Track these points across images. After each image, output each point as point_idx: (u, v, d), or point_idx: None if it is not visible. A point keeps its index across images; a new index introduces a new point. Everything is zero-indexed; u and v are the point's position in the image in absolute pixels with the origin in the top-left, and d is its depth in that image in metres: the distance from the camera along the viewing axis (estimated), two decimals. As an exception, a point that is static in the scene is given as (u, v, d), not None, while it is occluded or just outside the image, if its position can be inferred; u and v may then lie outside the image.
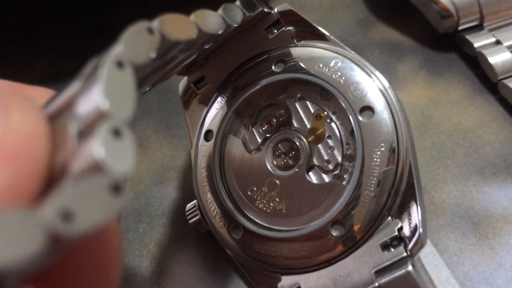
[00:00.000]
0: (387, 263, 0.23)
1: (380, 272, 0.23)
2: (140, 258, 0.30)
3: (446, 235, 0.28)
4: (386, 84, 0.25)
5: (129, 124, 0.13)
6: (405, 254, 0.23)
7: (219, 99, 0.28)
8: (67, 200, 0.11)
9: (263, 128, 0.28)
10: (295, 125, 0.27)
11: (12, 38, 0.41)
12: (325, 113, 0.26)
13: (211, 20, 0.19)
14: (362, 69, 0.26)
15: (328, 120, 0.26)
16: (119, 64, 0.13)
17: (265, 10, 0.27)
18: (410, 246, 0.23)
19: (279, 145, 0.27)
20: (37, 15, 0.42)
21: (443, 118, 0.32)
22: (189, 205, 0.28)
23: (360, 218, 0.24)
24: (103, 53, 0.14)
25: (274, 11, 0.27)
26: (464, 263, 0.27)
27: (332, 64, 0.26)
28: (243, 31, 0.28)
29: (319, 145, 0.26)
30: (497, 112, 0.31)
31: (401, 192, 0.24)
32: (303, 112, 0.27)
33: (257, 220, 0.26)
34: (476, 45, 0.32)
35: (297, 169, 0.26)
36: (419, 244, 0.23)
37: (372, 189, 0.24)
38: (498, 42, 0.32)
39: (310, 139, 0.27)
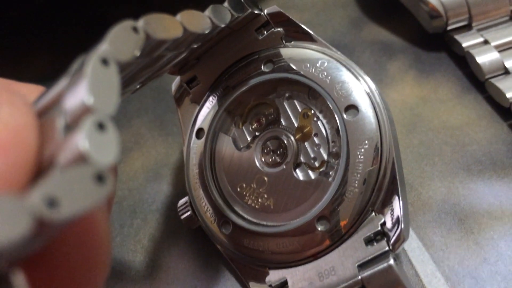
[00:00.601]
0: (370, 257, 0.24)
1: (363, 266, 0.24)
2: (134, 252, 0.31)
3: (432, 230, 0.28)
4: (371, 83, 0.26)
5: (113, 118, 0.13)
6: (387, 248, 0.23)
7: (210, 98, 0.29)
8: (53, 188, 0.11)
9: (253, 127, 0.29)
10: (283, 123, 0.28)
11: (9, 36, 0.42)
12: (312, 111, 0.27)
13: (197, 20, 0.20)
14: (348, 69, 0.26)
15: (315, 119, 0.27)
16: (104, 61, 0.14)
17: (255, 11, 0.27)
18: (392, 241, 0.24)
19: (268, 142, 0.28)
20: (34, 14, 0.43)
21: (432, 116, 0.32)
22: (181, 202, 0.29)
23: (345, 213, 0.25)
24: (89, 51, 0.15)
25: (264, 13, 0.28)
26: (450, 258, 0.27)
27: (318, 64, 0.27)
28: (233, 32, 0.29)
29: (306, 143, 0.27)
30: (485, 110, 0.32)
31: (384, 188, 0.25)
32: (291, 111, 0.28)
33: (246, 216, 0.27)
34: (464, 44, 0.33)
35: (284, 166, 0.27)
36: (401, 239, 0.23)
37: (356, 185, 0.24)
38: (486, 42, 0.33)
39: (297, 137, 0.27)
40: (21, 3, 0.43)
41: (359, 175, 0.24)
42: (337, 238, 0.25)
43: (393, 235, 0.24)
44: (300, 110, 0.28)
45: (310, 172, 0.27)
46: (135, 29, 0.16)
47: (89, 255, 0.15)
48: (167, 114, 0.36)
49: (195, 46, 0.23)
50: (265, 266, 0.26)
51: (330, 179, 0.26)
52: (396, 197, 0.24)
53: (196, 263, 0.30)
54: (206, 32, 0.21)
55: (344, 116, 0.25)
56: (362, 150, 0.25)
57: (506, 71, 0.32)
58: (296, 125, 0.27)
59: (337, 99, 0.26)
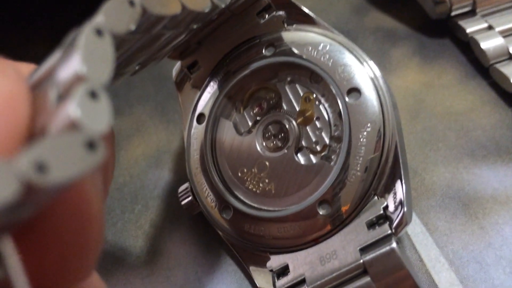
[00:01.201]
0: (372, 241, 0.23)
1: (365, 250, 0.23)
2: (136, 238, 0.31)
3: (436, 215, 0.28)
4: (374, 67, 0.26)
5: (106, 87, 0.13)
6: (389, 232, 0.23)
7: (211, 83, 0.29)
8: (42, 153, 0.11)
9: (254, 111, 0.28)
10: (285, 107, 0.27)
11: (7, 25, 0.42)
12: (314, 95, 0.27)
13: None
14: (351, 52, 0.26)
15: (316, 103, 0.27)
16: (98, 32, 0.14)
17: (257, -6, 0.27)
18: (394, 224, 0.23)
19: (269, 127, 0.28)
20: (33, 2, 0.43)
21: (435, 102, 0.32)
22: (181, 187, 0.29)
23: (346, 197, 0.24)
24: (84, 24, 0.14)
25: (266, -4, 0.28)
26: (454, 242, 0.27)
27: (320, 47, 0.26)
28: (235, 16, 0.28)
29: (308, 127, 0.27)
30: (489, 96, 0.32)
31: (387, 172, 0.24)
32: (293, 95, 0.27)
33: (246, 201, 0.27)
34: (468, 30, 0.32)
35: (286, 151, 0.27)
36: (404, 222, 0.23)
37: (358, 169, 0.24)
38: (490, 28, 0.32)
39: (299, 121, 0.27)
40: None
41: (361, 159, 0.24)
42: (339, 222, 0.24)
43: (396, 219, 0.23)
44: (301, 94, 0.27)
45: (312, 156, 0.26)
46: (131, 3, 0.15)
47: (80, 230, 0.14)
48: (168, 101, 0.36)
49: (195, 26, 0.23)
50: (266, 251, 0.26)
51: (332, 163, 0.25)
52: (399, 181, 0.24)
53: (197, 249, 0.30)
54: (206, 11, 0.21)
55: (347, 99, 0.25)
56: (365, 133, 0.24)
57: (510, 57, 0.31)
58: (297, 109, 0.27)
59: (339, 82, 0.25)
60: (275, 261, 0.26)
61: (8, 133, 0.12)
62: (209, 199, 0.28)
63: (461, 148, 0.30)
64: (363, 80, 0.25)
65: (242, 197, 0.27)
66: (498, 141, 0.30)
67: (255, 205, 0.27)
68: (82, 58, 0.13)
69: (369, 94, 0.25)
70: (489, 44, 0.31)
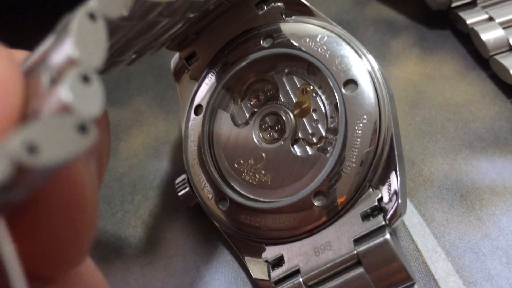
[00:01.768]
0: (366, 232, 0.23)
1: (359, 241, 0.23)
2: (135, 228, 0.31)
3: (433, 206, 0.28)
4: (372, 59, 0.26)
5: (98, 71, 0.13)
6: (383, 223, 0.23)
7: (209, 74, 0.29)
8: (33, 135, 0.11)
9: (251, 103, 0.28)
10: (282, 99, 0.28)
11: (5, 16, 0.42)
12: (311, 87, 0.27)
13: None
14: (348, 43, 0.26)
15: (313, 94, 0.27)
16: (91, 16, 0.14)
17: (255, -14, 0.27)
18: (389, 215, 0.23)
19: (266, 118, 0.28)
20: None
21: (435, 93, 0.32)
22: (178, 179, 0.29)
23: (342, 189, 0.24)
24: (77, 8, 0.14)
25: (264, -13, 0.28)
26: (451, 233, 0.27)
27: (318, 39, 0.26)
28: (233, 7, 0.28)
29: (304, 119, 0.27)
30: (489, 88, 0.32)
31: (382, 163, 0.24)
32: (290, 87, 0.27)
33: (242, 192, 0.27)
34: (468, 21, 0.32)
35: (282, 142, 0.27)
36: (398, 214, 0.23)
37: (354, 160, 0.24)
38: (490, 19, 0.32)
39: (296, 112, 0.27)
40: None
41: (357, 150, 0.24)
42: (334, 213, 0.24)
43: (390, 210, 0.23)
44: (299, 86, 0.27)
45: (308, 148, 0.26)
46: None
47: (73, 214, 0.14)
48: (167, 92, 0.36)
49: (191, 15, 0.23)
50: (262, 242, 0.26)
51: (328, 155, 0.25)
52: (394, 173, 0.24)
53: (196, 239, 0.30)
54: None
55: (343, 90, 0.25)
56: (361, 125, 0.24)
57: (510, 48, 0.31)
58: (294, 101, 0.27)
59: (336, 74, 0.25)
60: (270, 252, 0.26)
61: (0, 116, 0.12)
62: (205, 190, 0.28)
63: (460, 139, 0.30)
64: (360, 72, 0.25)
65: (238, 188, 0.27)
66: (496, 133, 0.30)
67: (251, 196, 0.27)
68: (75, 42, 0.13)
69: (366, 86, 0.25)
70: (489, 35, 0.31)
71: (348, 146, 0.24)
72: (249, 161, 0.27)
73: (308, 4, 0.28)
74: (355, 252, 0.23)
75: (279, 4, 0.28)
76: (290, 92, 0.27)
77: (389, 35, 0.35)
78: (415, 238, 0.27)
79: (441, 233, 0.27)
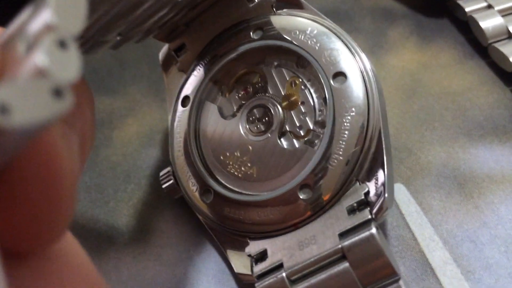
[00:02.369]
0: (351, 226, 0.23)
1: (344, 235, 0.23)
2: (128, 217, 0.31)
3: (431, 194, 0.28)
4: (361, 52, 0.26)
5: (76, 38, 0.13)
6: (369, 217, 0.23)
7: (198, 66, 0.29)
8: (5, 95, 0.11)
9: (239, 95, 0.28)
10: (270, 91, 0.27)
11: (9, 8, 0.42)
12: (300, 80, 0.27)
13: None
14: (338, 37, 0.26)
15: (302, 87, 0.26)
16: None
17: (246, -22, 0.27)
18: (375, 210, 0.23)
19: (254, 111, 0.27)
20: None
21: (433, 82, 0.32)
22: (163, 171, 0.29)
23: (328, 182, 0.24)
24: None
25: (255, -20, 0.28)
26: (448, 222, 0.27)
27: (308, 32, 0.26)
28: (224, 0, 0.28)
29: (292, 112, 0.26)
30: (487, 76, 0.32)
31: (369, 157, 0.24)
32: (279, 79, 0.27)
33: (227, 185, 0.26)
34: (467, 9, 0.33)
35: (269, 135, 0.26)
36: (384, 208, 0.23)
37: (340, 153, 0.24)
38: (489, 6, 0.32)
39: (284, 105, 0.27)
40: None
41: (344, 144, 0.24)
42: (319, 207, 0.24)
43: (376, 204, 0.23)
44: (288, 79, 0.27)
45: (295, 141, 0.26)
46: None
47: (49, 186, 0.14)
48: (162, 81, 0.35)
49: (179, 0, 0.23)
50: (246, 236, 0.26)
51: (315, 148, 0.25)
52: (381, 167, 0.24)
53: (190, 228, 0.29)
54: None
55: (332, 83, 0.25)
56: (349, 117, 0.24)
57: (509, 36, 0.31)
58: (283, 93, 0.27)
59: (325, 66, 0.25)
60: (254, 246, 0.25)
61: None
62: (190, 182, 0.27)
63: (458, 127, 0.30)
64: (349, 64, 0.25)
65: (223, 181, 0.27)
66: (495, 121, 0.30)
67: (236, 189, 0.26)
68: (53, 9, 0.13)
69: (355, 78, 0.25)
70: (488, 23, 0.31)
71: (335, 139, 0.24)
72: (235, 154, 0.27)
73: (299, -3, 0.28)
74: (340, 246, 0.23)
75: (271, -4, 0.28)
76: (279, 85, 0.27)
77: (386, 24, 0.35)
78: (412, 227, 0.27)
79: (438, 222, 0.27)
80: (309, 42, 0.26)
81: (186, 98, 0.28)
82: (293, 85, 0.27)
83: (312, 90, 0.26)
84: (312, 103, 0.26)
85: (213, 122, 0.28)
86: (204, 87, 0.28)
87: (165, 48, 0.30)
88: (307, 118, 0.26)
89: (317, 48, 0.25)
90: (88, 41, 0.20)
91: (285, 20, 0.27)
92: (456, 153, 0.29)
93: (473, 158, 0.29)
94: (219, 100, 0.28)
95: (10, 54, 0.13)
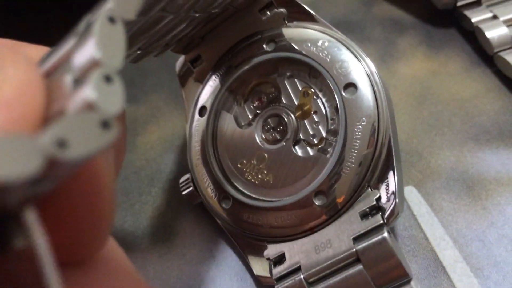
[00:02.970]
0: (364, 230, 0.24)
1: (358, 239, 0.24)
2: (153, 219, 0.32)
3: (441, 196, 0.29)
4: (370, 63, 0.27)
5: (119, 72, 0.14)
6: (381, 222, 0.24)
7: (213, 77, 0.30)
8: (63, 131, 0.12)
9: (254, 105, 0.29)
10: (284, 101, 0.28)
11: (22, 10, 0.43)
12: (312, 90, 0.28)
13: None
14: (348, 48, 0.27)
15: (314, 97, 0.28)
16: (111, 20, 0.15)
17: (259, -8, 0.28)
18: (386, 215, 0.24)
19: (269, 120, 0.28)
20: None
21: (441, 89, 0.33)
22: (182, 178, 0.30)
23: (342, 188, 0.25)
24: (94, 11, 0.15)
25: (267, -6, 0.29)
26: (458, 222, 0.28)
27: (319, 44, 0.27)
28: (238, 13, 0.29)
29: (306, 121, 0.28)
30: (493, 83, 0.33)
31: (380, 164, 0.25)
32: (292, 90, 0.28)
33: (245, 191, 0.28)
34: (473, 20, 0.34)
35: (284, 143, 0.28)
36: (395, 213, 0.24)
37: (353, 160, 0.25)
38: (495, 17, 0.33)
39: (297, 114, 0.28)
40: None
41: (356, 152, 0.25)
42: (334, 212, 0.25)
43: (388, 209, 0.24)
44: (300, 89, 0.28)
45: (309, 149, 0.27)
46: None
47: (93, 203, 0.15)
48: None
49: (196, 15, 0.24)
50: (264, 240, 0.27)
51: (328, 156, 0.26)
52: (392, 173, 0.25)
53: (212, 229, 0.31)
54: None
55: (343, 93, 0.26)
56: (360, 127, 0.25)
57: None
58: (296, 103, 0.28)
59: (336, 77, 0.26)
60: (272, 249, 0.27)
61: (23, 121, 0.13)
62: (209, 189, 0.28)
63: (466, 133, 0.31)
64: (359, 75, 0.26)
65: (241, 188, 0.28)
66: (501, 126, 0.31)
67: (254, 196, 0.27)
68: (98, 44, 0.14)
69: (365, 89, 0.26)
70: (494, 33, 0.33)
71: (347, 147, 0.25)
72: (252, 161, 0.28)
73: (310, 10, 0.29)
74: (354, 249, 0.24)
75: (282, 10, 0.29)
76: (292, 95, 0.28)
77: (396, 34, 0.36)
78: (423, 227, 0.28)
79: (448, 222, 0.28)
80: (320, 54, 0.27)
81: (203, 108, 0.30)
82: (305, 95, 0.28)
83: (324, 100, 0.27)
84: (324, 112, 0.27)
85: (229, 131, 0.29)
86: (220, 97, 0.29)
87: (181, 59, 0.31)
88: (320, 127, 0.27)
89: (328, 60, 0.27)
90: None
91: (296, 32, 0.28)
92: (464, 157, 0.30)
93: (480, 161, 0.30)
94: (235, 110, 0.30)
95: (56, 84, 0.15)
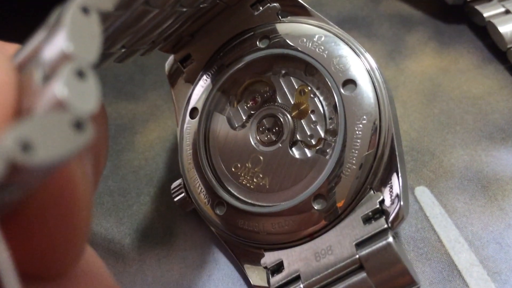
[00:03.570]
0: (368, 235, 0.23)
1: (361, 245, 0.23)
2: (152, 220, 0.31)
3: (455, 197, 0.28)
4: (371, 59, 0.25)
5: (94, 66, 0.13)
6: (386, 226, 0.22)
7: (204, 77, 0.28)
8: (27, 132, 0.11)
9: (248, 105, 0.28)
10: (279, 101, 0.27)
11: (11, 14, 0.42)
12: (309, 88, 0.26)
13: None
14: (346, 43, 0.26)
15: (311, 95, 0.26)
16: (84, 10, 0.13)
17: (250, -14, 0.27)
18: (391, 218, 0.23)
19: (264, 120, 0.27)
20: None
21: (452, 86, 0.32)
22: (174, 184, 0.28)
23: (342, 191, 0.24)
24: (67, 1, 0.14)
25: (259, -12, 0.27)
26: (473, 224, 0.27)
27: (315, 39, 0.26)
28: (228, 8, 0.28)
29: (303, 120, 0.26)
30: (507, 80, 0.32)
31: (383, 165, 0.24)
32: (287, 88, 0.27)
33: (240, 196, 0.26)
34: (485, 14, 0.33)
35: (280, 145, 0.26)
36: (400, 216, 0.23)
37: (354, 162, 0.24)
38: (507, 12, 0.33)
39: (293, 114, 0.26)
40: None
41: (357, 152, 0.24)
42: (334, 217, 0.24)
43: (392, 213, 0.23)
44: (296, 87, 0.27)
45: (307, 150, 0.26)
46: None
47: (65, 214, 0.14)
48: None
49: (183, 10, 0.22)
50: (260, 248, 0.26)
51: (327, 157, 0.25)
52: (395, 174, 0.23)
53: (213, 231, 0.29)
54: None
55: (342, 91, 0.24)
56: (360, 125, 0.24)
57: None
58: (292, 102, 0.27)
59: (334, 74, 0.25)
60: (269, 257, 0.25)
61: None
62: (202, 195, 0.27)
63: (479, 131, 0.30)
64: (359, 71, 0.25)
65: (235, 193, 0.27)
66: None
67: (249, 201, 0.26)
68: (69, 36, 0.13)
69: (365, 86, 0.24)
70: (507, 28, 0.32)
71: (347, 148, 0.24)
72: (247, 165, 0.27)
73: (305, 4, 0.27)
74: (357, 256, 0.22)
75: (275, 4, 0.27)
76: (287, 94, 0.27)
77: (404, 30, 0.35)
78: (437, 229, 0.27)
79: (463, 224, 0.27)
80: (317, 49, 0.26)
81: (195, 109, 0.28)
82: (302, 94, 0.26)
83: (321, 98, 0.26)
84: (322, 111, 0.26)
85: (222, 133, 0.28)
86: (212, 98, 0.28)
87: (170, 59, 0.30)
88: (318, 127, 0.26)
89: (325, 55, 0.25)
90: None
91: (291, 28, 0.27)
92: (479, 156, 0.29)
93: (496, 160, 0.29)
94: (228, 111, 0.28)
95: (27, 80, 0.13)
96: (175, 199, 0.28)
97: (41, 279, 0.15)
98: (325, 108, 0.26)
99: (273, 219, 0.25)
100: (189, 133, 0.28)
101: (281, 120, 0.27)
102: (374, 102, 0.24)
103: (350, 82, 0.24)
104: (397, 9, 0.37)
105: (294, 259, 0.24)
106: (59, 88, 0.12)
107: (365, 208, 0.24)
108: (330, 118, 0.26)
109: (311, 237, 0.24)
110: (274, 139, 0.27)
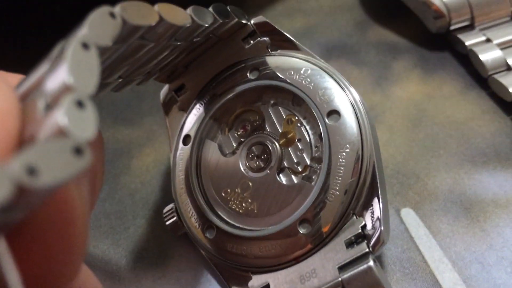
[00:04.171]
0: (350, 259, 0.24)
1: (343, 268, 0.24)
2: (147, 242, 0.32)
3: (439, 218, 0.29)
4: (353, 91, 0.27)
5: (92, 96, 0.14)
6: (367, 250, 0.23)
7: (197, 105, 0.30)
8: (33, 158, 0.12)
9: (238, 133, 0.29)
10: (268, 129, 0.28)
11: (8, 38, 0.43)
12: (296, 117, 0.28)
13: (175, 12, 0.21)
14: (331, 76, 0.27)
15: (298, 125, 0.28)
16: (85, 46, 0.15)
17: (242, 21, 0.28)
18: (372, 242, 0.24)
19: (253, 148, 0.28)
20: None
21: (437, 111, 0.33)
22: (166, 208, 0.29)
23: (326, 216, 0.25)
24: (69, 36, 0.15)
25: (250, 23, 0.29)
26: (457, 244, 0.28)
27: (302, 71, 0.27)
28: (221, 42, 0.29)
29: (290, 148, 0.27)
30: (488, 105, 0.33)
31: (365, 191, 0.25)
32: (276, 117, 0.28)
33: (229, 220, 0.27)
34: (467, 43, 0.34)
35: (268, 171, 0.27)
36: (381, 241, 0.24)
37: (337, 188, 0.25)
38: (488, 40, 0.34)
39: (281, 142, 0.28)
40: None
41: (340, 179, 0.25)
42: (319, 241, 0.25)
43: (373, 237, 0.24)
44: (284, 116, 0.28)
45: (293, 177, 0.27)
46: (112, 15, 0.16)
47: (63, 233, 0.15)
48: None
49: (178, 43, 0.24)
50: (248, 271, 0.26)
51: (312, 183, 0.26)
52: (376, 200, 0.25)
53: None
54: (186, 25, 0.21)
55: (327, 120, 0.26)
56: (344, 153, 0.25)
57: (508, 68, 0.33)
58: (280, 131, 0.28)
59: (319, 105, 0.26)
60: (257, 280, 0.26)
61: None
62: (193, 219, 0.28)
63: (462, 154, 0.31)
64: (342, 103, 0.26)
65: (225, 217, 0.28)
66: (497, 148, 0.31)
67: (238, 225, 0.27)
68: (70, 69, 0.14)
69: (348, 116, 0.26)
70: (488, 56, 0.33)
71: (332, 175, 0.25)
72: (236, 190, 0.28)
73: (293, 39, 0.29)
74: (339, 279, 0.23)
75: (265, 38, 0.29)
76: (276, 123, 0.28)
77: (390, 57, 0.37)
78: (422, 249, 0.28)
79: (447, 244, 0.28)
80: (303, 81, 0.27)
81: (187, 136, 0.29)
82: (289, 123, 0.28)
83: (308, 127, 0.27)
84: (308, 140, 0.27)
85: (214, 159, 0.29)
86: (204, 125, 0.29)
87: (165, 88, 0.31)
88: (304, 155, 0.27)
89: (311, 87, 0.27)
90: None
91: (280, 61, 0.28)
92: (461, 179, 0.30)
93: (477, 183, 0.30)
94: (219, 138, 0.29)
95: (30, 109, 0.14)
96: (167, 223, 0.29)
97: None
98: (311, 136, 0.27)
99: (260, 243, 0.26)
100: (181, 159, 0.29)
101: (270, 147, 0.28)
102: (356, 132, 0.25)
103: (334, 113, 0.26)
104: (383, 37, 0.38)
105: (280, 282, 0.25)
106: (60, 117, 0.13)
107: (348, 233, 0.25)
108: (316, 146, 0.27)
109: (297, 260, 0.25)
110: (262, 165, 0.28)
